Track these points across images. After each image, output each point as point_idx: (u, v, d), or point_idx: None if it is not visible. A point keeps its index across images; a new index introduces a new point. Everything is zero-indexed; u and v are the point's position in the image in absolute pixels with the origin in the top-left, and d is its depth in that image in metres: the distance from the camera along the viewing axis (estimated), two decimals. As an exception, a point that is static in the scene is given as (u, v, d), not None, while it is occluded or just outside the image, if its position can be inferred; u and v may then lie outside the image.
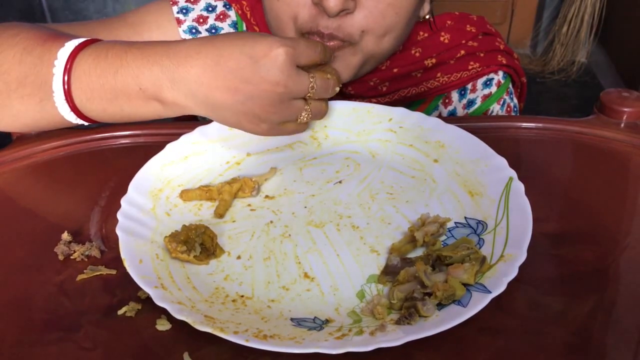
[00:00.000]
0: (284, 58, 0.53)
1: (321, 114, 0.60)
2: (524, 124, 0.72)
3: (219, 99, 0.55)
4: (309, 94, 0.56)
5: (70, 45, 0.59)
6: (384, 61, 0.77)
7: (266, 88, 0.54)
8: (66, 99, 0.59)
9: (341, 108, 0.69)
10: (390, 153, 0.66)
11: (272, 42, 0.53)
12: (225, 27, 0.80)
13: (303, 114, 0.58)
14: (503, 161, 0.58)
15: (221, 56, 0.54)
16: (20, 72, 0.60)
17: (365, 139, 0.67)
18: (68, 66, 0.58)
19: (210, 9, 0.80)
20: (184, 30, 0.79)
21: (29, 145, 0.68)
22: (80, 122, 0.62)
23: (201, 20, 0.79)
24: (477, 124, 0.72)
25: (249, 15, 0.79)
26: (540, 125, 0.72)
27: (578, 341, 0.46)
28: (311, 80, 0.56)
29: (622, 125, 0.72)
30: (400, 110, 0.67)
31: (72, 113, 0.60)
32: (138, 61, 0.56)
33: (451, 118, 0.80)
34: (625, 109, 0.72)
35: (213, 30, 0.79)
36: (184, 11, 0.79)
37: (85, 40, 0.60)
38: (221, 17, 0.80)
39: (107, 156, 0.68)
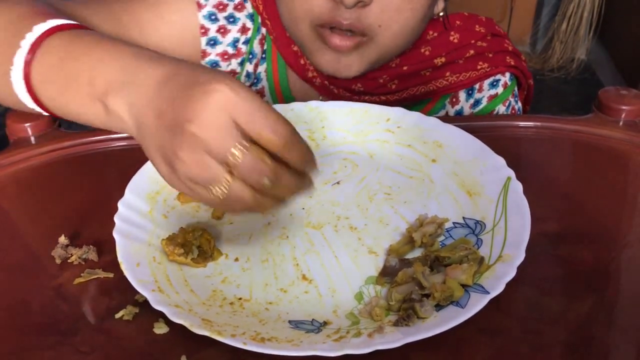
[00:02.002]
0: (219, 97, 0.41)
1: (241, 204, 0.43)
2: (522, 123, 0.72)
3: (146, 120, 0.44)
4: (229, 162, 0.42)
5: (52, 22, 0.53)
6: (394, 58, 0.77)
7: (180, 121, 0.42)
8: (24, 76, 0.52)
9: (339, 108, 0.68)
10: (388, 153, 0.65)
11: (224, 77, 0.42)
12: (242, 17, 0.79)
13: (217, 187, 0.42)
14: (501, 161, 0.58)
15: (176, 72, 0.45)
16: None
17: (363, 140, 0.67)
18: (37, 41, 0.52)
19: None
20: (203, 16, 0.77)
21: (26, 149, 0.68)
22: (37, 108, 0.54)
23: (221, 7, 0.78)
24: (475, 123, 0.72)
25: (261, 9, 0.78)
26: (538, 124, 0.72)
27: (577, 341, 0.46)
28: (238, 150, 0.41)
29: (621, 123, 0.71)
30: (398, 111, 0.67)
31: (27, 95, 0.53)
32: (106, 54, 0.49)
33: (449, 117, 0.80)
34: (624, 107, 0.72)
35: (231, 19, 0.78)
36: None
37: (70, 23, 0.54)
38: (239, 7, 0.79)
39: (104, 159, 0.68)
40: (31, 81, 0.52)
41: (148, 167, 0.59)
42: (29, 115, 0.66)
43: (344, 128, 0.68)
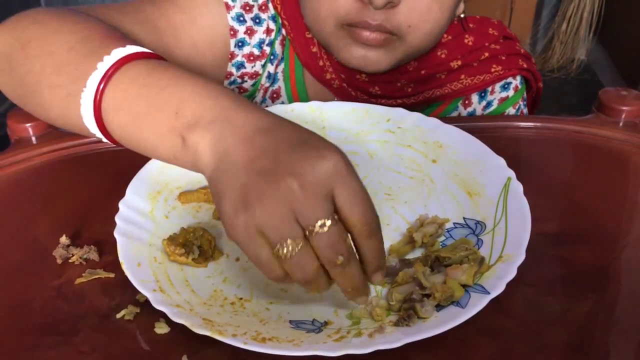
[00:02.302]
0: (331, 166, 0.40)
1: (303, 273, 0.42)
2: (523, 124, 0.72)
3: (232, 158, 0.42)
4: (311, 229, 0.41)
5: (131, 49, 0.50)
6: (412, 62, 0.77)
7: (283, 172, 0.40)
8: (94, 99, 0.49)
9: (339, 108, 0.68)
10: (389, 154, 0.66)
11: (336, 148, 0.42)
12: (266, 18, 0.78)
13: (286, 246, 0.41)
14: (501, 161, 0.58)
15: (278, 125, 0.43)
16: (64, 59, 0.52)
17: (363, 140, 0.67)
18: (116, 66, 0.49)
19: None
20: (232, 17, 0.76)
21: (27, 149, 0.68)
22: (98, 134, 0.51)
23: (247, 7, 0.78)
24: (475, 124, 0.72)
25: (279, 9, 0.78)
26: (538, 124, 0.72)
27: (577, 342, 0.46)
28: (330, 219, 0.40)
29: (621, 124, 0.72)
30: (399, 111, 0.67)
31: (92, 118, 0.50)
32: (197, 88, 0.46)
33: (450, 118, 0.80)
34: (624, 108, 0.72)
35: (257, 20, 0.78)
36: None
37: (150, 52, 0.51)
38: (263, 7, 0.79)
39: (105, 159, 0.68)
40: (102, 106, 0.49)
41: (149, 167, 0.59)
42: (30, 116, 0.66)
43: (345, 128, 0.68)
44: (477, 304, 0.44)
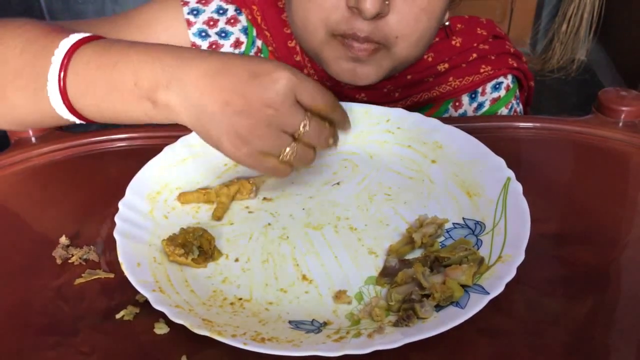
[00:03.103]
0: (285, 83, 0.50)
1: (306, 161, 0.54)
2: (522, 124, 0.72)
3: (209, 109, 0.51)
4: (298, 132, 0.52)
5: (75, 37, 0.56)
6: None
7: (257, 107, 0.50)
8: (60, 90, 0.55)
9: (339, 109, 0.68)
10: (388, 154, 0.66)
11: (278, 65, 0.51)
12: (236, 31, 0.79)
13: (287, 151, 0.52)
14: (501, 161, 0.58)
15: (224, 65, 0.51)
16: (20, 63, 0.57)
17: (363, 140, 0.67)
18: (68, 56, 0.55)
19: (221, 11, 0.79)
20: (193, 33, 0.77)
21: (27, 149, 0.68)
22: (72, 118, 0.58)
23: (212, 22, 0.78)
24: (474, 124, 0.72)
25: (259, 20, 0.77)
26: (538, 125, 0.72)
27: (577, 342, 0.46)
28: (306, 118, 0.52)
29: (621, 124, 0.72)
30: (398, 111, 0.67)
31: (64, 106, 0.56)
32: (141, 56, 0.53)
33: (449, 118, 0.80)
34: (624, 108, 0.72)
35: (223, 34, 0.78)
36: (195, 13, 0.78)
37: (91, 35, 0.57)
38: (232, 21, 0.79)
39: (105, 159, 0.68)
40: (68, 94, 0.55)
41: (149, 167, 0.60)
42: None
43: (344, 129, 0.68)
44: (477, 304, 0.44)
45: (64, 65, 0.55)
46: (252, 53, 0.79)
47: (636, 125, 0.71)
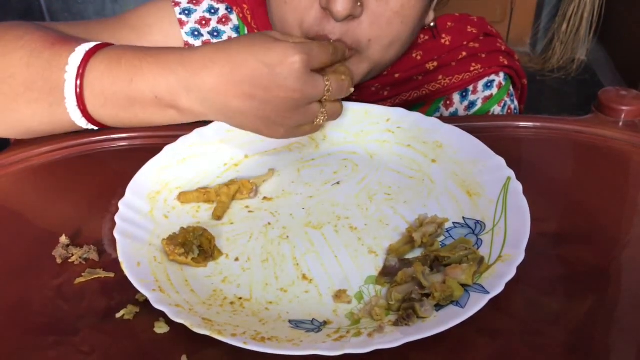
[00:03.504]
0: (300, 65, 0.53)
1: (337, 114, 0.60)
2: (522, 124, 0.72)
3: (235, 106, 0.55)
4: (324, 97, 0.57)
5: (81, 50, 0.58)
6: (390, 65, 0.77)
7: (283, 95, 0.54)
8: (78, 104, 0.58)
9: (339, 109, 0.68)
10: (388, 154, 0.66)
11: (286, 49, 0.53)
12: (228, 30, 0.79)
13: (320, 117, 0.58)
14: (501, 161, 0.58)
15: (235, 64, 0.54)
16: (28, 77, 0.59)
17: (363, 140, 0.67)
18: (80, 72, 0.57)
19: (212, 11, 0.79)
20: (186, 33, 0.78)
21: (26, 149, 0.68)
22: (91, 126, 0.62)
23: (204, 22, 0.78)
24: (475, 123, 0.72)
25: (249, 19, 0.78)
26: (538, 124, 0.72)
27: (577, 341, 0.46)
28: (327, 83, 0.56)
29: (621, 124, 0.72)
30: (398, 111, 0.67)
31: (83, 118, 0.60)
32: (154, 70, 0.56)
33: (449, 118, 0.80)
34: (624, 108, 0.72)
35: (215, 33, 0.79)
36: (187, 12, 0.78)
37: (96, 45, 0.59)
38: (223, 20, 0.79)
39: (105, 159, 0.68)
40: (87, 108, 0.59)
41: (149, 167, 0.60)
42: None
43: (344, 128, 0.68)
44: (477, 303, 0.44)
45: (79, 78, 0.58)
46: None
47: (636, 125, 0.71)
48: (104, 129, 0.63)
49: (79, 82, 0.58)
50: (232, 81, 0.54)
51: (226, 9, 0.80)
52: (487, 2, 2.90)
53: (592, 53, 2.89)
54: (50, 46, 0.60)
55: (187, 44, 0.78)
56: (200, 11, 0.79)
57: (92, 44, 0.59)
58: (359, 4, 0.63)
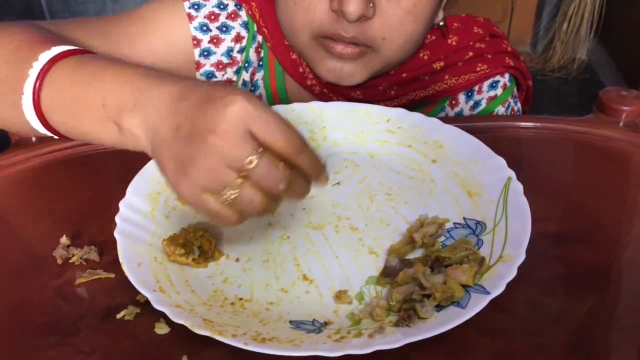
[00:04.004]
0: (237, 110, 0.44)
1: (252, 207, 0.46)
2: (523, 124, 0.72)
3: (162, 133, 0.47)
4: (244, 169, 0.44)
5: (57, 49, 0.55)
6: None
7: (200, 131, 0.44)
8: (34, 103, 0.54)
9: (339, 109, 0.69)
10: (389, 154, 0.66)
11: (237, 91, 0.45)
12: (236, 26, 0.79)
13: (229, 192, 0.45)
14: (502, 161, 0.58)
15: (190, 89, 0.47)
16: (2, 72, 0.57)
17: (363, 140, 0.67)
18: (45, 69, 0.54)
19: (221, 6, 0.79)
20: (194, 27, 0.77)
21: (27, 150, 0.68)
22: (48, 133, 0.57)
23: (212, 17, 0.78)
24: (475, 124, 0.72)
25: (257, 17, 0.78)
26: (538, 124, 0.72)
27: (578, 341, 0.46)
28: (255, 154, 0.44)
29: (621, 124, 0.72)
30: (399, 111, 0.67)
31: (38, 121, 0.55)
32: (116, 78, 0.51)
33: (450, 118, 0.80)
34: (624, 108, 0.72)
35: (224, 28, 0.78)
36: (196, 7, 0.78)
37: (76, 49, 0.56)
38: (232, 15, 0.79)
39: (105, 159, 0.68)
40: (42, 108, 0.54)
41: (149, 167, 0.59)
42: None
43: (345, 129, 0.68)
44: (477, 304, 0.44)
45: (41, 76, 0.54)
46: (252, 48, 0.79)
47: (637, 125, 0.71)
48: (58, 137, 0.59)
49: (39, 81, 0.54)
50: (175, 105, 0.47)
51: (235, 5, 0.80)
52: (488, 2, 2.90)
53: (592, 52, 2.88)
54: (33, 44, 0.58)
55: (195, 38, 0.77)
56: (209, 6, 0.79)
57: (71, 47, 0.56)
58: (371, 4, 0.63)
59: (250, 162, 0.44)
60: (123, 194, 0.56)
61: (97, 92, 0.51)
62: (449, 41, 0.80)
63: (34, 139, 0.70)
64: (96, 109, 0.51)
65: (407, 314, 0.45)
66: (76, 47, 0.57)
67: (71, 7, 2.61)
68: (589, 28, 2.79)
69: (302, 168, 0.47)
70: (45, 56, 0.55)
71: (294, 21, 0.68)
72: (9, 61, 0.58)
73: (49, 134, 0.57)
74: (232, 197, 0.45)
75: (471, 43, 0.80)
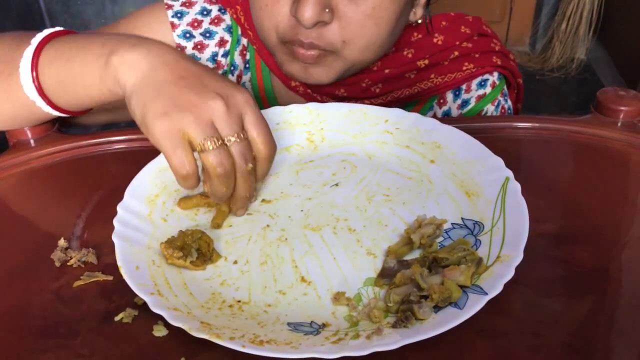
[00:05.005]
0: (247, 96, 0.53)
1: (220, 166, 0.51)
2: (521, 124, 0.72)
3: (162, 75, 0.52)
4: (228, 139, 0.51)
5: (51, 30, 0.61)
6: (376, 62, 0.77)
7: (210, 93, 0.51)
8: (32, 62, 0.59)
9: (337, 110, 0.69)
10: (387, 154, 0.66)
11: (249, 91, 0.55)
12: (220, 31, 0.80)
13: (210, 142, 0.50)
14: (499, 161, 0.58)
15: (196, 62, 0.55)
16: (1, 53, 0.63)
17: (361, 141, 0.67)
18: (40, 45, 0.60)
19: (205, 12, 0.80)
20: (178, 35, 0.79)
21: (25, 152, 0.68)
22: (36, 97, 0.61)
23: (196, 24, 0.79)
24: (473, 124, 0.72)
25: (242, 20, 0.79)
26: (536, 124, 0.72)
27: (576, 342, 0.46)
28: (242, 134, 0.52)
29: (619, 124, 0.72)
30: (397, 112, 0.67)
31: (32, 84, 0.60)
32: (117, 34, 0.58)
33: (447, 118, 0.80)
34: (622, 108, 0.72)
35: (207, 34, 0.79)
36: (179, 15, 0.79)
37: (72, 30, 0.62)
38: (216, 20, 0.80)
39: (103, 162, 0.68)
40: (38, 66, 0.60)
41: (147, 170, 0.59)
42: (28, 119, 0.66)
43: (343, 130, 0.68)
44: (475, 305, 0.44)
45: (40, 44, 0.60)
46: (237, 51, 0.80)
47: (635, 125, 0.71)
48: (61, 113, 0.64)
49: (41, 43, 0.60)
50: (182, 62, 0.54)
51: (219, 9, 0.80)
52: (487, 2, 2.90)
53: (591, 52, 2.89)
54: (29, 33, 0.62)
55: (179, 45, 0.78)
56: (192, 13, 0.80)
57: (67, 30, 0.62)
58: (327, 10, 0.64)
59: (238, 137, 0.51)
60: (121, 197, 0.55)
61: (98, 39, 0.57)
62: (435, 40, 0.80)
63: (32, 141, 0.70)
64: (94, 48, 0.56)
65: (404, 315, 0.45)
66: (67, 29, 0.63)
67: (70, 8, 2.61)
68: (588, 28, 2.79)
69: (258, 173, 0.55)
70: (43, 33, 0.60)
71: (263, 25, 0.69)
72: (4, 42, 0.64)
73: (38, 99, 0.61)
74: (210, 147, 0.50)
75: (457, 42, 0.80)
